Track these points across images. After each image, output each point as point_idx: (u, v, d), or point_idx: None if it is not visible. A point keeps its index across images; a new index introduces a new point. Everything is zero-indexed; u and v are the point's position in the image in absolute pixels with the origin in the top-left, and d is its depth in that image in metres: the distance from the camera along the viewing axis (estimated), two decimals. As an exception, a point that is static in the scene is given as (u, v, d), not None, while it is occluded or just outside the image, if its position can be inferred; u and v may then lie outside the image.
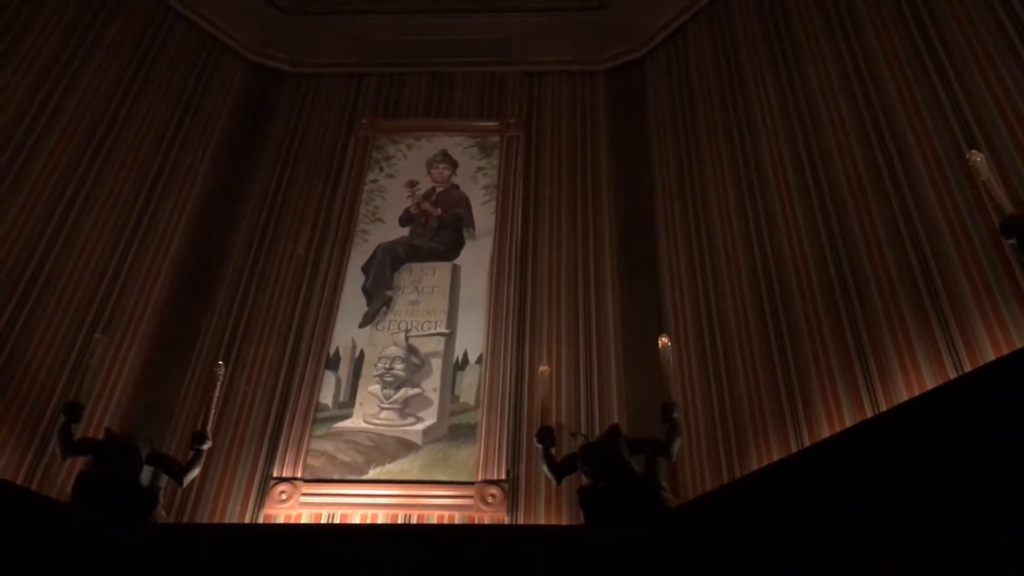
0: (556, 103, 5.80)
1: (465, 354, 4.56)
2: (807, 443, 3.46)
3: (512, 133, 5.60)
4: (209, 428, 3.80)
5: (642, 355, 4.28)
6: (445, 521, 3.91)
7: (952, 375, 3.12)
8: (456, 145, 5.63)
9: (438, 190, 5.40)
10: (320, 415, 4.34)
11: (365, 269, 4.97)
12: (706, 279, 4.45)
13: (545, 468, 3.68)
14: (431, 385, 4.45)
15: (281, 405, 4.37)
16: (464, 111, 5.83)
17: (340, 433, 4.28)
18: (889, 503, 2.89)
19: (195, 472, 3.76)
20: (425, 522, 3.90)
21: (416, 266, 5.00)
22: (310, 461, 4.16)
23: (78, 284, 4.36)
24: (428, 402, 4.38)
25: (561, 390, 4.30)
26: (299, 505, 3.99)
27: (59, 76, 4.81)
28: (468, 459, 4.14)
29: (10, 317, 4.02)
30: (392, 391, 4.42)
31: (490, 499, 3.97)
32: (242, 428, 4.28)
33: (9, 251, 4.15)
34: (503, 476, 4.05)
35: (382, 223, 5.23)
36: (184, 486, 3.78)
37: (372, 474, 4.11)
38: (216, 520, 3.95)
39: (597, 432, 3.89)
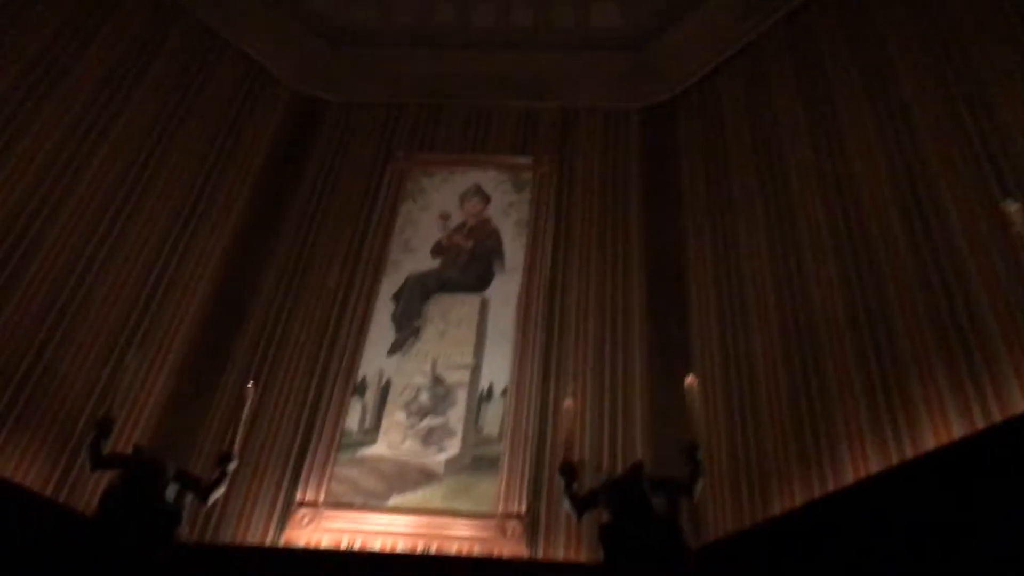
0: (590, 140, 5.87)
1: (491, 386, 4.58)
2: (831, 488, 3.43)
3: (545, 170, 5.66)
4: (236, 449, 3.83)
5: (668, 394, 4.26)
6: (464, 552, 3.90)
7: (980, 425, 3.08)
8: (489, 180, 5.70)
9: (470, 223, 5.46)
10: (345, 441, 4.38)
11: (396, 298, 5.02)
12: (735, 321, 4.44)
13: (566, 502, 3.65)
14: (455, 415, 4.47)
15: (307, 430, 4.41)
16: (499, 146, 5.90)
17: (364, 460, 4.31)
18: (911, 551, 2.86)
19: (220, 491, 3.77)
20: (444, 552, 3.89)
21: (446, 297, 5.04)
22: (333, 486, 4.19)
23: (114, 304, 4.46)
24: (452, 432, 4.40)
25: (585, 425, 4.30)
26: (320, 530, 4.01)
27: (106, 102, 4.97)
28: (489, 491, 4.14)
29: (48, 332, 4.12)
30: (417, 420, 4.45)
31: (510, 532, 3.97)
32: (268, 451, 4.33)
33: (49, 271, 4.26)
34: (524, 510, 4.04)
35: (414, 254, 5.29)
36: (208, 505, 3.81)
37: (393, 502, 4.13)
38: (238, 541, 3.97)
39: (620, 469, 3.88)
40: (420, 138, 6.00)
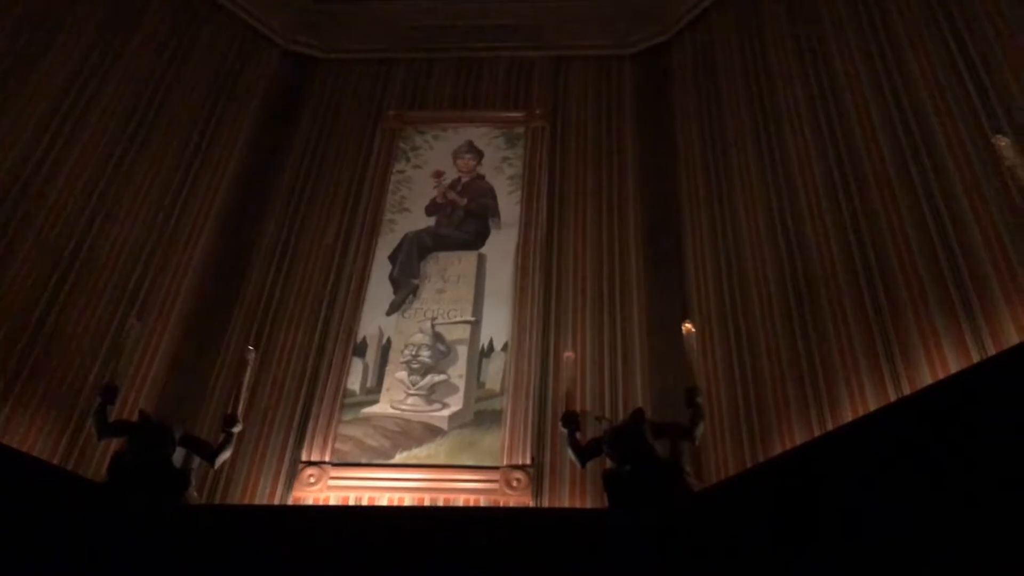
0: (582, 89, 5.85)
1: (491, 342, 4.61)
2: (830, 427, 3.48)
3: (538, 123, 5.64)
4: (240, 412, 3.86)
5: (666, 342, 4.31)
6: (471, 505, 3.96)
7: (976, 359, 3.12)
8: (482, 136, 5.68)
9: (464, 180, 5.45)
10: (348, 400, 4.41)
11: (392, 258, 5.04)
12: (731, 267, 4.47)
13: (570, 452, 3.71)
14: (457, 372, 4.51)
15: (310, 390, 4.45)
16: (490, 101, 5.87)
17: (367, 418, 4.35)
18: (911, 486, 2.90)
19: (226, 454, 3.82)
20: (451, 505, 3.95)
21: (442, 255, 5.06)
22: (338, 445, 4.23)
23: (113, 270, 4.48)
24: (454, 388, 4.43)
25: (586, 376, 4.34)
26: (327, 488, 4.06)
27: (96, 65, 4.94)
28: (493, 444, 4.19)
29: (48, 303, 4.14)
30: (418, 377, 4.48)
31: (515, 483, 4.02)
32: (272, 412, 4.36)
33: (47, 237, 4.28)
34: (528, 461, 4.09)
35: (409, 212, 5.29)
36: (216, 468, 3.86)
37: (399, 458, 4.18)
38: (246, 502, 4.02)
39: (621, 417, 3.91)
40: (411, 94, 5.97)
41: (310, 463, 4.15)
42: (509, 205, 5.25)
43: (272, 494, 4.07)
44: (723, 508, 3.32)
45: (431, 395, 4.41)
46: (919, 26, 4.13)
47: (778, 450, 3.64)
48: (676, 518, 3.32)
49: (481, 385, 4.45)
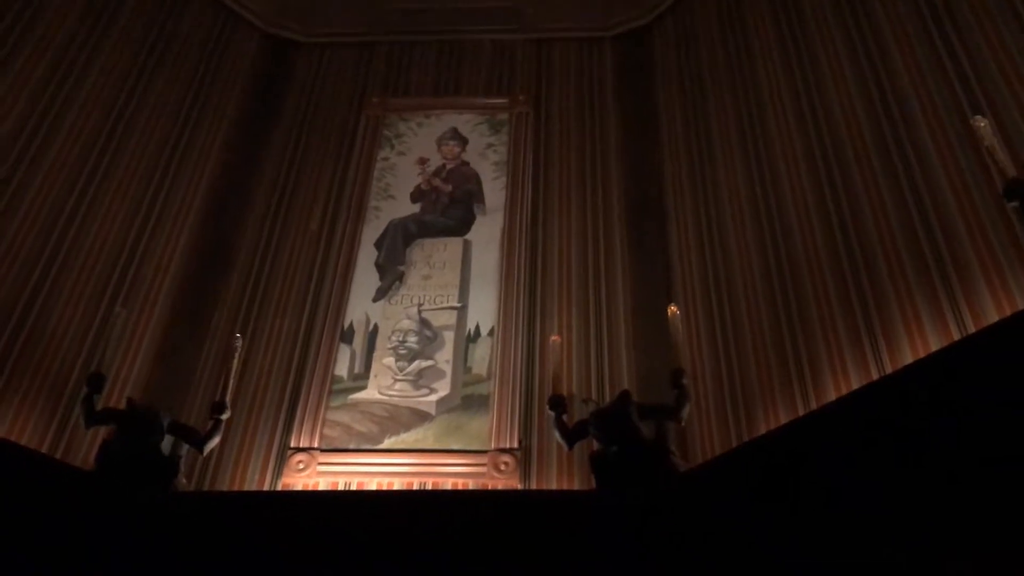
0: (565, 72, 5.86)
1: (477, 327, 4.63)
2: (813, 407, 3.53)
3: (521, 109, 5.65)
4: (228, 399, 3.88)
5: (652, 325, 4.34)
6: (459, 488, 3.98)
7: (956, 337, 3.17)
8: (466, 122, 5.68)
9: (448, 167, 5.45)
10: (336, 387, 4.42)
11: (378, 245, 5.04)
12: (715, 250, 4.50)
13: (557, 434, 3.74)
14: (444, 357, 4.52)
15: (297, 377, 4.45)
16: (473, 87, 5.87)
17: (355, 404, 4.37)
18: (894, 464, 2.94)
19: (215, 441, 3.83)
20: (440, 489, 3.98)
21: (428, 241, 5.07)
22: (326, 431, 4.25)
23: (97, 259, 4.46)
24: (441, 373, 4.45)
25: (572, 359, 4.37)
26: (316, 474, 4.07)
27: (76, 55, 4.91)
28: (481, 428, 4.22)
29: (32, 292, 4.12)
30: (406, 363, 4.50)
31: (503, 467, 4.05)
32: (260, 399, 4.37)
33: (30, 228, 4.25)
34: (515, 445, 4.12)
35: (394, 200, 5.29)
36: (204, 455, 3.87)
37: (387, 443, 4.19)
38: (235, 489, 4.03)
39: (607, 399, 3.95)
40: (394, 80, 5.95)
41: (299, 449, 4.16)
42: (494, 191, 5.26)
43: (261, 480, 4.08)
44: (709, 488, 3.36)
45: (418, 380, 4.43)
46: (898, 8, 4.16)
47: (762, 430, 3.68)
48: (662, 498, 3.36)
49: (468, 370, 4.47)
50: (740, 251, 4.35)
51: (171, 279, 4.72)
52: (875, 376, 3.39)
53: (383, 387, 4.42)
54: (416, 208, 5.24)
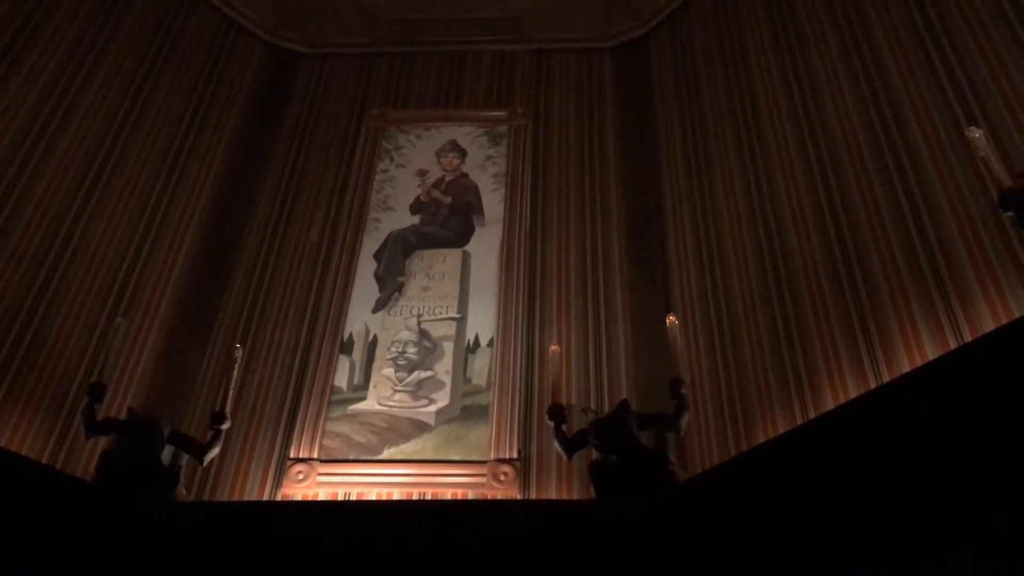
0: (564, 82, 5.90)
1: (476, 338, 4.65)
2: (812, 416, 3.54)
3: (520, 122, 5.68)
4: (228, 409, 3.89)
5: (650, 335, 4.36)
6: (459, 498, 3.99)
7: (953, 346, 3.19)
8: (465, 135, 5.71)
9: (448, 179, 5.48)
10: (335, 397, 4.43)
11: (377, 256, 5.06)
12: (712, 259, 4.53)
13: (556, 444, 3.75)
14: (443, 368, 4.53)
15: (297, 388, 4.46)
16: (473, 98, 5.91)
17: (355, 415, 4.37)
18: (893, 472, 2.96)
19: (215, 451, 3.84)
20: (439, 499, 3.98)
21: (427, 253, 5.08)
22: (326, 442, 4.25)
23: (99, 268, 4.47)
24: (440, 384, 4.46)
25: (572, 369, 4.38)
26: (316, 484, 4.08)
27: (80, 63, 4.94)
28: (480, 439, 4.22)
29: (34, 301, 4.13)
30: (405, 374, 4.51)
31: (502, 477, 4.05)
32: (259, 410, 4.37)
33: (32, 236, 4.27)
34: (515, 455, 4.13)
35: (393, 211, 5.31)
36: (204, 465, 3.87)
37: (387, 454, 4.20)
38: (235, 499, 4.04)
39: (607, 410, 3.96)
40: (395, 91, 5.98)
41: (298, 460, 4.16)
42: (493, 203, 5.28)
43: (261, 491, 4.08)
44: (708, 497, 3.37)
45: (418, 391, 4.44)
46: (893, 18, 4.20)
47: (761, 439, 3.70)
48: (662, 507, 3.37)
49: (467, 381, 4.48)
50: (738, 260, 4.37)
51: (172, 288, 4.73)
52: (872, 385, 3.41)
53: (382, 398, 4.42)
54: (416, 220, 5.26)
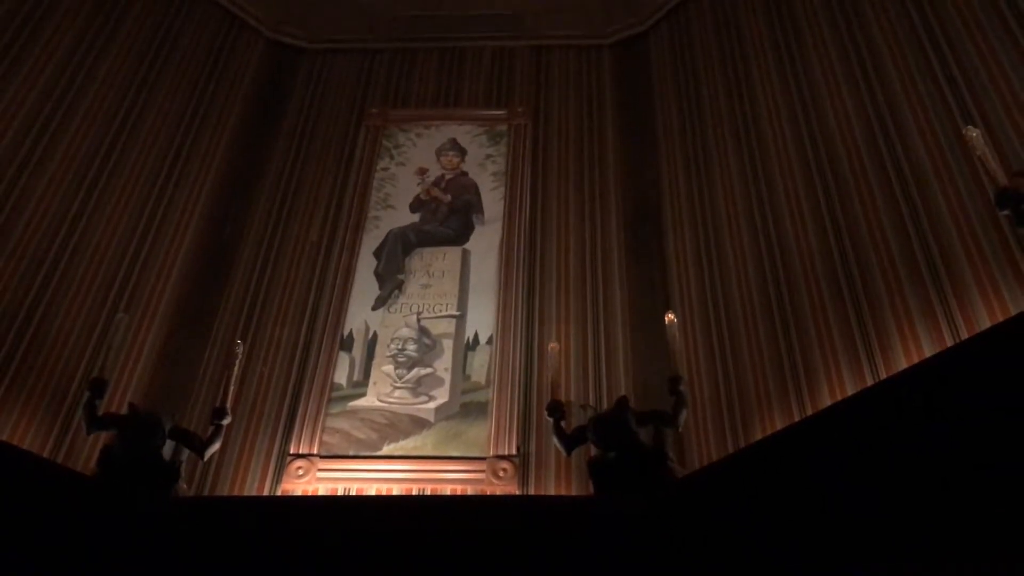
0: (563, 79, 5.92)
1: (476, 335, 4.66)
2: (809, 413, 3.56)
3: (520, 121, 5.70)
4: (228, 405, 3.90)
5: (649, 333, 4.38)
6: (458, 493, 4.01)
7: (950, 343, 3.21)
8: (465, 133, 5.72)
9: (447, 177, 5.50)
10: (335, 394, 4.45)
11: (377, 254, 5.07)
12: (711, 257, 4.55)
13: (555, 440, 3.77)
14: (443, 365, 4.55)
15: (297, 384, 4.47)
16: (473, 96, 5.92)
17: (355, 411, 4.39)
18: (890, 469, 2.97)
19: (215, 447, 3.86)
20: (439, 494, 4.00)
21: (427, 251, 5.10)
22: (326, 438, 4.26)
23: (100, 265, 4.48)
24: (440, 381, 4.48)
25: (570, 367, 4.39)
26: (316, 480, 4.09)
27: (80, 61, 4.95)
28: (480, 435, 4.24)
29: (35, 297, 4.15)
30: (405, 371, 4.52)
31: (501, 473, 4.07)
32: (260, 406, 4.39)
33: (33, 233, 4.28)
34: (514, 451, 4.14)
35: (393, 209, 5.32)
36: (205, 460, 3.89)
37: (386, 450, 4.21)
38: (236, 494, 4.05)
39: (606, 406, 3.98)
40: (394, 90, 6.00)
41: (298, 455, 4.18)
42: (493, 201, 5.30)
43: (261, 486, 4.09)
44: (706, 493, 3.38)
45: (417, 388, 4.46)
46: (892, 19, 4.23)
47: (759, 436, 3.72)
48: (660, 503, 3.39)
49: (467, 378, 4.50)
50: (736, 258, 4.40)
51: (172, 286, 4.74)
52: (870, 382, 3.44)
53: (382, 394, 4.44)
54: (415, 218, 5.28)
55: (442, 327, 4.72)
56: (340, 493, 4.05)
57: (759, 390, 3.89)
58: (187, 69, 5.57)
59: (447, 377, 4.50)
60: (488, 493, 3.99)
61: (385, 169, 5.54)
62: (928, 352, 3.28)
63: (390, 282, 4.94)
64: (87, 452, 3.91)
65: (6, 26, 4.68)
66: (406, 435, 4.27)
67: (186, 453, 3.79)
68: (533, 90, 5.87)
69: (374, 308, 4.82)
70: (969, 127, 3.22)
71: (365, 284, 4.93)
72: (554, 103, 5.78)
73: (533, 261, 4.91)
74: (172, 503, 3.64)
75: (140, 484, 3.58)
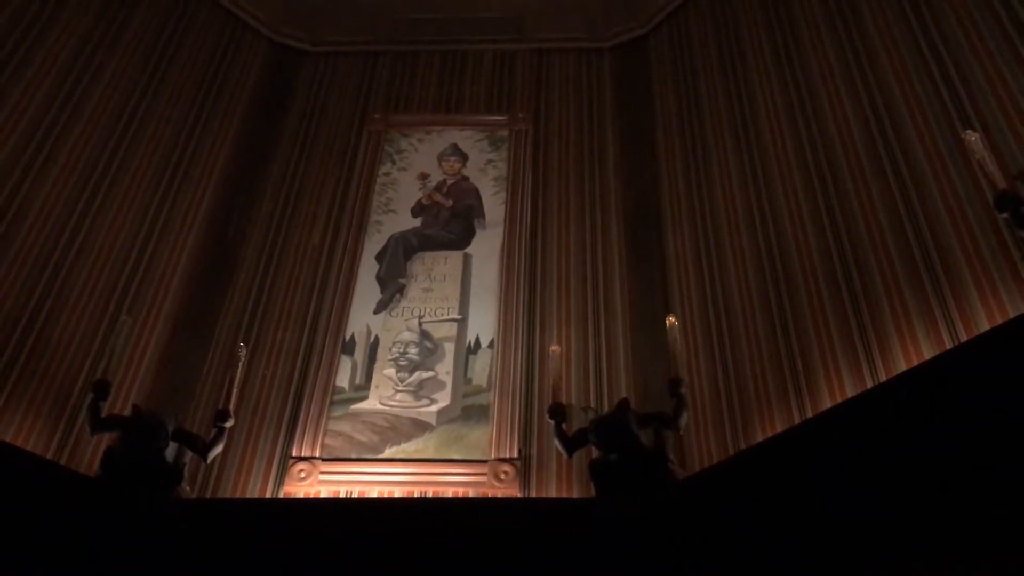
0: (563, 82, 5.96)
1: (477, 339, 4.68)
2: (810, 414, 3.57)
3: (520, 127, 5.72)
4: (231, 407, 3.92)
5: (650, 336, 4.40)
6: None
7: (949, 345, 3.22)
8: (466, 139, 5.75)
9: (449, 182, 5.52)
10: (337, 397, 4.46)
11: (379, 258, 5.10)
12: (711, 260, 4.57)
13: (557, 442, 3.78)
14: (444, 368, 4.57)
15: (299, 387, 4.49)
16: (474, 101, 5.95)
17: (357, 414, 4.40)
18: (890, 470, 2.98)
19: (218, 449, 3.87)
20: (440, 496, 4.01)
21: (428, 255, 5.12)
22: (328, 441, 4.28)
23: (103, 268, 4.50)
24: (441, 385, 4.50)
25: (572, 369, 4.41)
26: (317, 483, 4.11)
27: (84, 65, 4.97)
28: (481, 438, 4.26)
29: (39, 300, 4.16)
30: (406, 374, 4.54)
31: (503, 476, 4.08)
32: (262, 408, 4.41)
33: (37, 236, 4.30)
34: (515, 454, 4.16)
35: (395, 214, 5.35)
36: (208, 462, 3.90)
37: (388, 453, 4.23)
38: (238, 496, 4.06)
39: (607, 409, 3.99)
40: (396, 94, 6.03)
41: (300, 458, 4.19)
42: (494, 206, 5.33)
43: (263, 489, 4.11)
44: (707, 495, 3.39)
45: (419, 391, 4.47)
46: (890, 22, 4.25)
47: (759, 437, 3.73)
48: (661, 505, 3.40)
49: (468, 381, 4.52)
50: (736, 261, 4.42)
51: (176, 287, 4.76)
52: (869, 384, 3.45)
53: (384, 398, 4.46)
54: (417, 222, 5.30)
55: (444, 331, 4.74)
56: (342, 496, 4.05)
57: (759, 391, 3.90)
58: (190, 72, 5.60)
59: (448, 380, 4.51)
60: (490, 496, 4.00)
61: (387, 174, 5.56)
62: (927, 354, 3.29)
63: (392, 286, 4.96)
64: (90, 454, 3.93)
65: (10, 31, 4.70)
66: (408, 438, 4.29)
67: (189, 455, 3.80)
68: (534, 93, 5.91)
69: (376, 312, 4.84)
70: (968, 131, 3.23)
71: (367, 288, 4.95)
72: (554, 106, 5.81)
73: (534, 264, 4.93)
74: (175, 505, 3.65)
75: (143, 486, 3.59)
